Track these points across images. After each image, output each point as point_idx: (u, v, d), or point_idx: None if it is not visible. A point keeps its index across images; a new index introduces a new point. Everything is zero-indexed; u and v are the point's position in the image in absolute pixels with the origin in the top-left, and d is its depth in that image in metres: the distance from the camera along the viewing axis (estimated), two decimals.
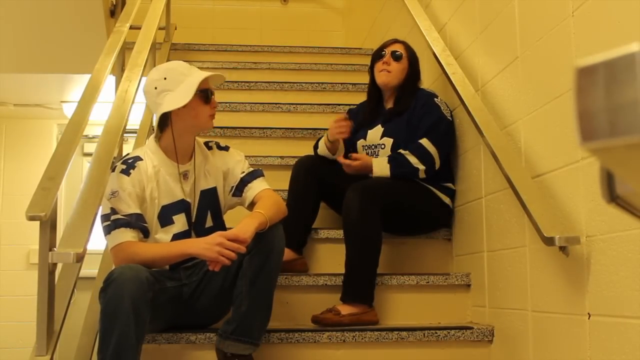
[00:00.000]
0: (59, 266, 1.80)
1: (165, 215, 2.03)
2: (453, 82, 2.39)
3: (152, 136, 2.12)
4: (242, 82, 3.71)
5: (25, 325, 3.85)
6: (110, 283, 1.73)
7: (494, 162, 2.07)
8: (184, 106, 1.97)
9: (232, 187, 2.13)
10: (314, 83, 3.77)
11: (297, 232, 2.52)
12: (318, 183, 2.60)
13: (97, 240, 1.97)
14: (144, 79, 2.81)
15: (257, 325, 1.96)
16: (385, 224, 2.38)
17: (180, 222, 2.04)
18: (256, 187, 2.10)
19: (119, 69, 3.09)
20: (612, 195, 0.49)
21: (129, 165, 2.00)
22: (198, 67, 2.10)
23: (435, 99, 2.56)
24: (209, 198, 2.11)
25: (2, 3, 3.63)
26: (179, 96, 1.97)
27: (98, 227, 1.93)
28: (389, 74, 2.62)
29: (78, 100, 2.22)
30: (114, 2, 3.91)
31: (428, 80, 2.90)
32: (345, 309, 2.25)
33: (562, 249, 1.72)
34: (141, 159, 2.03)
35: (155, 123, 2.08)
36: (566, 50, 1.75)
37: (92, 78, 2.39)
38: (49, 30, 3.87)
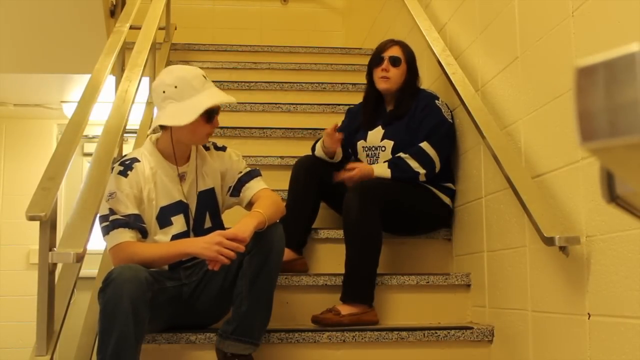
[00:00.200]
0: (59, 266, 1.80)
1: (164, 217, 2.02)
2: (453, 82, 2.39)
3: (149, 138, 2.12)
4: (242, 82, 3.71)
5: (25, 325, 3.85)
6: (109, 283, 1.73)
7: (494, 162, 2.07)
8: None
9: (230, 187, 2.13)
10: (314, 83, 3.77)
11: (297, 232, 2.52)
12: (318, 183, 2.60)
13: (97, 240, 1.96)
14: (144, 79, 2.82)
15: (257, 325, 1.96)
16: (385, 224, 2.38)
17: (179, 223, 2.04)
18: (254, 187, 2.10)
19: (119, 69, 3.09)
20: (612, 195, 0.49)
21: (127, 166, 2.00)
22: (198, 67, 2.09)
23: (437, 101, 2.55)
24: (207, 199, 2.10)
25: (2, 3, 3.63)
26: (182, 113, 1.94)
27: (98, 227, 1.93)
28: (389, 80, 2.61)
29: (78, 100, 2.22)
30: (114, 2, 3.91)
31: (428, 80, 2.90)
32: (345, 309, 2.25)
33: (562, 249, 1.72)
34: (138, 161, 2.03)
35: (153, 122, 2.09)
36: (566, 50, 1.75)
37: (92, 78, 2.39)
38: (49, 30, 3.87)
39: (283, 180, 2.69)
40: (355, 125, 2.75)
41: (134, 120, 2.93)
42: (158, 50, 3.73)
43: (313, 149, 2.71)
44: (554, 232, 1.70)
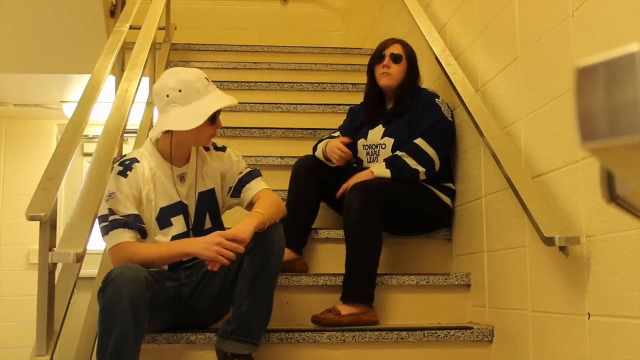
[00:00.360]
0: (59, 266, 1.80)
1: (164, 218, 2.02)
2: (453, 82, 2.39)
3: (149, 138, 2.11)
4: (242, 82, 3.71)
5: (25, 325, 3.86)
6: (108, 283, 1.73)
7: (494, 162, 2.07)
8: None
9: (230, 188, 2.13)
10: (314, 83, 3.77)
11: (297, 232, 2.52)
12: (318, 183, 2.60)
13: (97, 240, 1.96)
14: (144, 79, 2.82)
15: (257, 325, 1.96)
16: (385, 224, 2.38)
17: (178, 224, 2.04)
18: (254, 187, 2.10)
19: (119, 69, 3.09)
20: (612, 195, 0.49)
21: (126, 166, 2.00)
22: (198, 67, 2.09)
23: (437, 100, 2.56)
24: (207, 199, 2.10)
25: (2, 3, 3.63)
26: (187, 117, 1.94)
27: (97, 227, 1.93)
28: (390, 76, 2.62)
29: (78, 100, 2.22)
30: (114, 2, 3.91)
31: (428, 80, 2.90)
32: (345, 309, 2.25)
33: (562, 249, 1.72)
34: (138, 161, 2.02)
35: (156, 126, 2.05)
36: (566, 50, 1.75)
37: (92, 78, 2.39)
38: (49, 30, 3.87)
39: (283, 180, 2.69)
40: (356, 124, 2.75)
41: (134, 120, 2.93)
42: (158, 50, 3.73)
43: (314, 149, 2.71)
44: (554, 232, 1.70)
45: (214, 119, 2.01)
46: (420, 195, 2.50)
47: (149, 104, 3.30)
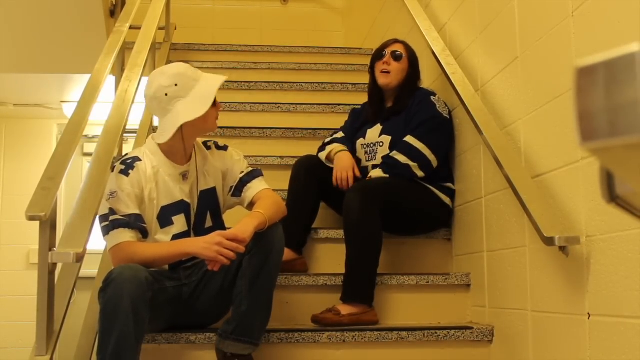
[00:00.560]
0: (59, 266, 1.80)
1: (165, 216, 2.02)
2: (453, 82, 2.39)
3: (151, 137, 2.11)
4: (242, 82, 3.71)
5: (25, 325, 3.85)
6: (109, 283, 1.73)
7: (493, 162, 2.07)
8: None
9: (231, 187, 2.13)
10: (314, 83, 3.77)
11: (297, 232, 2.52)
12: (318, 183, 2.60)
13: (97, 240, 1.96)
14: (144, 79, 2.82)
15: (257, 325, 1.96)
16: (385, 224, 2.38)
17: (179, 223, 2.04)
18: (255, 187, 2.10)
19: (119, 69, 3.09)
20: (612, 195, 0.49)
21: (128, 165, 1.99)
22: (198, 67, 2.10)
23: (432, 97, 2.56)
24: (209, 198, 2.10)
25: (2, 3, 3.63)
26: (195, 105, 1.96)
27: (98, 227, 1.93)
28: (390, 74, 2.63)
29: (78, 100, 2.22)
30: (114, 2, 3.91)
31: (428, 80, 2.90)
32: (345, 309, 2.25)
33: (562, 249, 1.72)
34: (140, 160, 2.02)
35: (163, 127, 2.02)
36: (566, 50, 1.75)
37: (92, 78, 2.39)
38: (49, 30, 3.87)
39: (283, 180, 2.69)
40: (357, 125, 2.76)
41: (134, 120, 2.93)
42: (158, 50, 3.73)
43: (321, 149, 2.70)
44: (554, 232, 1.70)
45: (214, 101, 2.04)
46: (420, 195, 2.50)
47: None
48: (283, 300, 2.32)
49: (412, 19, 2.90)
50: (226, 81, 3.68)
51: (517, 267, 2.03)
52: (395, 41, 2.72)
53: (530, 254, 1.95)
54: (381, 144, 2.60)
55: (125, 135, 2.49)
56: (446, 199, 2.54)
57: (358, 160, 2.67)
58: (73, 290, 1.95)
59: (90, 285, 2.18)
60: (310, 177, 2.60)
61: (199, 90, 1.99)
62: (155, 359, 2.03)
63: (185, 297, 2.05)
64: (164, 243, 1.99)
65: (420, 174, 2.47)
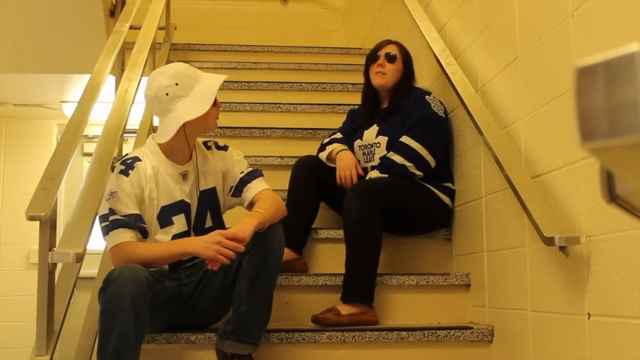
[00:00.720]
0: (59, 266, 1.80)
1: (165, 216, 2.02)
2: (453, 82, 2.39)
3: (151, 137, 2.11)
4: (242, 82, 3.71)
5: (25, 325, 3.86)
6: (109, 283, 1.73)
7: (493, 162, 2.07)
8: None
9: (231, 187, 2.13)
10: (314, 83, 3.77)
11: (297, 232, 2.52)
12: (318, 183, 2.60)
13: (97, 240, 1.96)
14: (144, 79, 2.82)
15: (257, 325, 1.96)
16: (385, 224, 2.38)
17: (179, 223, 2.04)
18: (255, 187, 2.10)
19: (119, 69, 3.09)
20: (612, 195, 0.49)
21: (128, 165, 1.99)
22: (198, 67, 2.10)
23: (427, 97, 2.56)
24: (209, 198, 2.10)
25: (2, 3, 3.63)
26: (196, 104, 1.97)
27: (98, 227, 1.93)
28: (384, 75, 2.63)
29: (78, 100, 2.22)
30: (114, 2, 3.91)
31: (428, 80, 2.90)
32: (345, 309, 2.25)
33: (562, 249, 1.72)
34: (140, 160, 2.02)
35: (164, 126, 2.02)
36: (566, 50, 1.75)
37: (92, 78, 2.39)
38: (49, 30, 3.87)
39: (283, 180, 2.69)
40: (354, 126, 2.76)
41: (134, 120, 2.93)
42: (158, 50, 3.73)
43: (321, 149, 2.70)
44: (554, 232, 1.70)
45: (214, 100, 2.04)
46: (420, 195, 2.50)
47: None
48: (283, 300, 2.32)
49: (412, 19, 2.90)
50: (226, 81, 3.69)
51: (517, 267, 2.03)
52: (389, 42, 2.72)
53: (530, 254, 1.95)
54: (378, 145, 2.60)
55: (125, 135, 2.49)
56: (446, 199, 2.55)
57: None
58: (73, 290, 1.95)
59: (90, 285, 2.18)
60: (310, 177, 2.60)
61: (200, 89, 2.00)
62: (155, 359, 2.03)
63: (185, 297, 2.04)
64: (164, 243, 1.99)
65: (418, 173, 2.47)
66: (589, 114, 0.41)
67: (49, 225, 1.67)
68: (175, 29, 4.30)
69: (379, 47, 2.70)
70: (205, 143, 2.17)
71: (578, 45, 1.69)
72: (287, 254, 2.26)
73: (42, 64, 4.12)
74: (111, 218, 1.91)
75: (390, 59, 2.64)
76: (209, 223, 2.09)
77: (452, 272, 2.53)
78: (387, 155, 2.51)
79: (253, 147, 3.19)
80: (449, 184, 2.57)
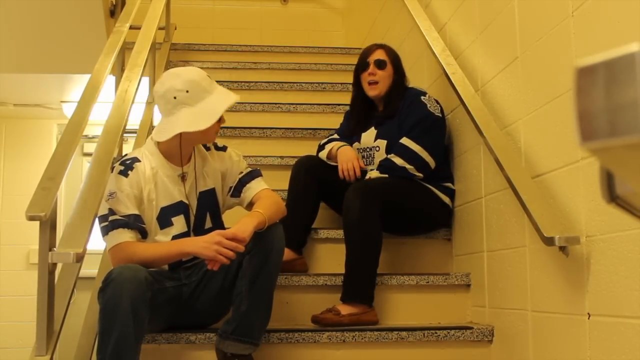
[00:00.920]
0: (59, 266, 1.80)
1: (164, 217, 2.02)
2: (453, 82, 2.39)
3: (150, 137, 2.11)
4: (242, 82, 3.71)
5: (25, 325, 3.86)
6: (109, 283, 1.73)
7: (493, 162, 2.07)
8: None
9: (231, 187, 2.13)
10: (314, 83, 3.77)
11: (297, 232, 2.52)
12: (318, 183, 2.60)
13: (97, 240, 1.96)
14: (144, 79, 2.82)
15: (257, 325, 1.96)
16: (385, 224, 2.38)
17: (179, 224, 2.04)
18: (255, 188, 2.10)
19: (119, 69, 3.09)
20: (612, 195, 0.49)
21: (127, 166, 1.99)
22: (198, 67, 2.09)
23: (422, 97, 2.56)
24: (208, 199, 2.10)
25: (2, 3, 3.63)
26: (199, 118, 1.95)
27: (98, 227, 1.93)
28: (377, 85, 2.63)
29: (78, 100, 2.22)
30: (114, 2, 3.91)
31: (428, 80, 2.91)
32: (345, 309, 2.26)
33: (562, 249, 1.72)
34: (139, 160, 2.02)
35: (162, 127, 2.02)
36: (566, 50, 1.75)
37: (92, 78, 2.39)
38: (49, 30, 3.87)
39: (283, 180, 2.69)
40: (351, 127, 2.76)
41: (134, 120, 2.93)
42: (158, 50, 3.73)
43: (321, 148, 2.70)
44: (554, 232, 1.70)
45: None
46: (420, 195, 2.50)
47: (149, 104, 3.30)
48: (283, 300, 2.32)
49: (412, 19, 2.90)
50: (226, 81, 3.70)
51: (517, 267, 2.03)
52: (376, 47, 2.71)
53: (530, 254, 1.95)
54: (377, 149, 2.60)
55: (125, 135, 2.49)
56: (446, 199, 2.55)
57: None
58: (73, 290, 1.95)
59: (90, 285, 2.18)
60: (310, 177, 2.60)
61: (208, 104, 1.97)
62: (155, 359, 2.03)
63: (185, 297, 2.04)
64: (164, 243, 1.99)
65: (418, 174, 2.47)
66: (589, 114, 0.41)
67: (49, 225, 1.67)
68: (175, 29, 4.30)
69: (367, 54, 2.69)
70: (204, 144, 2.17)
71: (578, 45, 1.69)
72: (287, 254, 2.26)
73: (42, 64, 4.12)
74: (111, 218, 1.91)
75: (380, 65, 2.64)
76: (208, 224, 2.09)
77: (452, 272, 2.53)
78: (388, 157, 2.51)
79: (253, 147, 3.19)
80: (449, 184, 2.57)
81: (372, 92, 2.65)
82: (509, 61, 2.11)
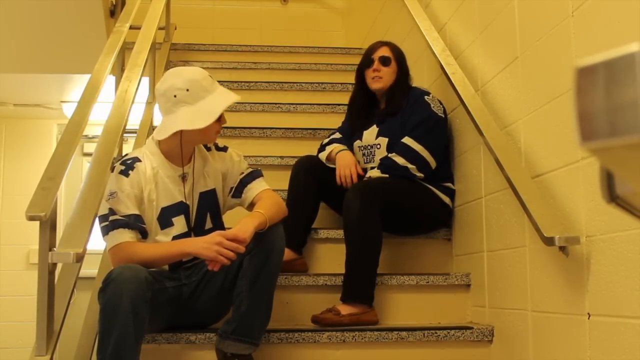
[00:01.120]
0: (59, 266, 1.80)
1: (165, 217, 2.02)
2: (453, 82, 2.39)
3: (151, 137, 2.11)
4: (242, 82, 3.71)
5: (25, 325, 3.86)
6: (109, 283, 1.73)
7: (493, 162, 2.07)
8: None
9: (231, 188, 2.13)
10: (314, 83, 3.77)
11: (297, 232, 2.52)
12: (318, 183, 2.60)
13: (97, 240, 1.96)
14: (144, 79, 2.82)
15: (257, 325, 1.96)
16: (385, 224, 2.38)
17: (179, 224, 2.04)
18: (256, 188, 2.10)
19: (119, 69, 3.09)
20: (612, 195, 0.49)
21: (128, 166, 1.99)
22: (199, 67, 2.09)
23: (426, 97, 2.56)
24: (208, 200, 2.10)
25: (2, 3, 3.63)
26: (198, 116, 1.95)
27: (98, 227, 1.93)
28: (381, 79, 2.63)
29: (78, 100, 2.22)
30: (114, 2, 3.91)
31: (428, 80, 2.90)
32: (345, 309, 2.25)
33: (562, 249, 1.72)
34: (140, 160, 2.02)
35: (163, 126, 2.03)
36: (566, 50, 1.75)
37: (92, 78, 2.39)
38: (49, 30, 3.87)
39: (283, 180, 2.69)
40: (351, 126, 2.76)
41: (134, 120, 2.93)
42: (158, 50, 3.73)
43: (321, 149, 2.70)
44: (553, 232, 1.70)
45: (219, 116, 2.02)
46: (420, 195, 2.50)
47: (149, 104, 3.30)
48: (283, 300, 2.32)
49: (412, 19, 2.90)
50: (226, 81, 3.70)
51: (517, 267, 2.03)
52: (381, 44, 2.71)
53: (530, 254, 1.95)
54: (378, 147, 2.60)
55: (125, 135, 2.49)
56: (446, 199, 2.55)
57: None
58: (73, 290, 1.95)
59: (90, 285, 2.18)
60: (310, 177, 2.60)
61: (208, 103, 1.97)
62: (155, 359, 2.03)
63: (185, 297, 2.04)
64: (164, 243, 1.99)
65: (418, 174, 2.47)
66: (589, 114, 0.41)
67: (49, 225, 1.67)
68: (175, 29, 4.30)
69: (372, 50, 2.69)
70: (205, 144, 2.17)
71: (578, 45, 1.69)
72: (287, 254, 2.26)
73: (42, 64, 4.12)
74: (111, 218, 1.91)
75: (385, 61, 2.64)
76: (208, 224, 2.09)
77: (452, 272, 2.53)
78: (389, 155, 2.51)
79: (253, 147, 3.19)
80: (449, 184, 2.57)
81: (375, 84, 2.64)
82: (509, 61, 2.11)
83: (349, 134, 2.74)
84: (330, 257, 2.60)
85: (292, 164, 2.71)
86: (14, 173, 5.18)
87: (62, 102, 4.87)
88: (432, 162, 2.49)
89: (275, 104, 3.53)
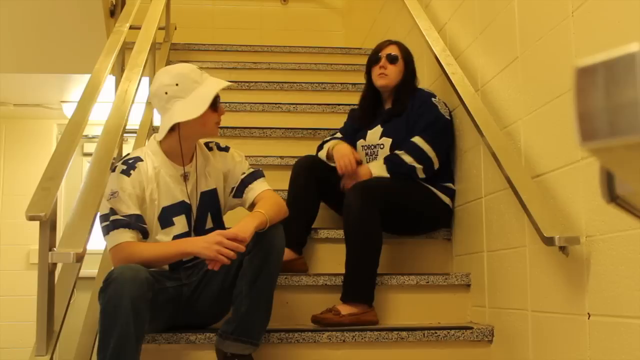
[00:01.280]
0: (59, 266, 1.80)
1: (166, 217, 2.02)
2: (453, 82, 2.39)
3: (153, 137, 2.11)
4: (242, 82, 3.71)
5: (25, 325, 3.85)
6: (110, 283, 1.73)
7: (493, 162, 2.07)
8: None
9: (233, 188, 2.13)
10: (314, 83, 3.77)
11: (297, 232, 2.52)
12: (318, 183, 2.60)
13: (97, 240, 1.96)
14: (144, 79, 2.82)
15: (257, 325, 1.96)
16: (385, 224, 2.38)
17: (180, 224, 2.04)
18: (257, 188, 2.10)
19: (119, 69, 3.09)
20: (612, 195, 0.49)
21: (130, 165, 1.99)
22: (197, 66, 2.10)
23: (433, 99, 2.57)
24: (210, 199, 2.10)
25: (2, 3, 3.63)
26: (191, 106, 1.96)
27: (98, 227, 1.93)
28: (387, 77, 2.63)
29: (78, 100, 2.22)
30: (114, 2, 3.91)
31: (428, 80, 2.90)
32: (345, 309, 2.25)
33: (562, 249, 1.72)
34: (141, 160, 2.02)
35: (162, 126, 2.04)
36: (566, 50, 1.75)
37: (92, 78, 2.39)
38: (49, 30, 3.87)
39: (283, 180, 2.69)
40: (356, 125, 2.76)
41: (134, 120, 2.93)
42: (158, 50, 3.73)
43: (320, 148, 2.70)
44: (553, 232, 1.70)
45: (215, 105, 2.03)
46: (420, 195, 2.50)
47: (149, 104, 3.30)
48: (283, 300, 2.32)
49: (412, 19, 2.90)
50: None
51: (517, 267, 2.03)
52: (390, 43, 2.72)
53: (530, 254, 1.95)
54: (382, 146, 2.60)
55: (125, 135, 2.49)
56: (446, 199, 2.55)
57: (358, 162, 2.67)
58: (73, 290, 1.95)
59: (90, 285, 2.18)
60: (310, 177, 2.60)
61: (199, 92, 1.98)
62: (155, 359, 2.03)
63: (185, 297, 2.04)
64: (164, 243, 1.99)
65: (422, 175, 2.48)
66: (589, 114, 0.41)
67: (49, 225, 1.67)
68: (175, 29, 4.30)
69: (380, 48, 2.70)
70: (206, 144, 2.17)
71: (578, 45, 1.69)
72: (287, 254, 2.26)
73: (42, 64, 4.12)
74: (112, 218, 1.91)
75: (392, 59, 2.64)
76: (209, 224, 2.09)
77: (452, 272, 2.53)
78: (397, 152, 2.49)
79: (253, 147, 3.19)
80: (450, 184, 2.57)
81: (380, 81, 2.65)
82: (508, 61, 2.11)
83: (352, 133, 2.74)
84: (330, 257, 2.60)
85: (292, 164, 2.70)
86: (14, 173, 5.18)
87: (62, 102, 4.87)
88: (437, 164, 2.49)
89: (275, 104, 3.53)
